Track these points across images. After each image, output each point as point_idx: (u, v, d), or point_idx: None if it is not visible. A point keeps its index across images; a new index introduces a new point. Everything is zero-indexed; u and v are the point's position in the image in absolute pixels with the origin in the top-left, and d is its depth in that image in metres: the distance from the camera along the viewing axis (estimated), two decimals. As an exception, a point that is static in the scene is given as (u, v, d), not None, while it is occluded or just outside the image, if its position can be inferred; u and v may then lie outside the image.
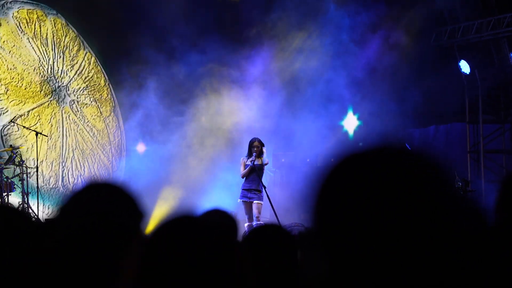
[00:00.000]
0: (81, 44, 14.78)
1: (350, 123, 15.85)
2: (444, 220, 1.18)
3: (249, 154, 11.22)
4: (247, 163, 11.17)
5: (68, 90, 14.41)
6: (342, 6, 15.43)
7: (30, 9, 14.02)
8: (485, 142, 16.39)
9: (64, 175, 14.13)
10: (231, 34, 15.20)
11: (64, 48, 14.44)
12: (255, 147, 11.16)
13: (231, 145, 14.92)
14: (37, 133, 12.69)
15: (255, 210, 11.04)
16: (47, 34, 14.19)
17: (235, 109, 15.17)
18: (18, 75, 13.58)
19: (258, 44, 15.39)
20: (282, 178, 15.44)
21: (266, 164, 11.33)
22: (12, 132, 13.38)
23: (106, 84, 15.16)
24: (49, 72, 14.09)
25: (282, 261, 2.45)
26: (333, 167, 1.26)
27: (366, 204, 1.18)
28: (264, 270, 2.39)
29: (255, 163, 11.08)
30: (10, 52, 13.47)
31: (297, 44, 15.51)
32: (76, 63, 14.63)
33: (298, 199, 13.79)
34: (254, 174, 11.13)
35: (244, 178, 11.22)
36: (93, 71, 14.93)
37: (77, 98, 14.57)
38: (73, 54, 14.60)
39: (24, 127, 13.13)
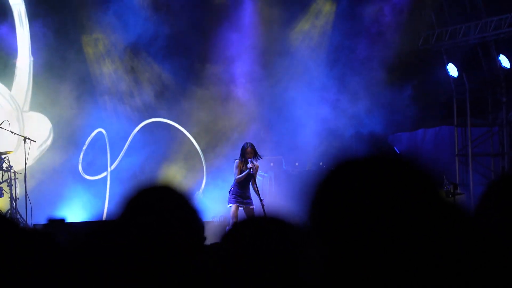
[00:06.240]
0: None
1: None
2: (430, 223, 1.19)
3: (243, 158, 11.13)
4: (244, 169, 11.03)
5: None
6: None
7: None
8: (473, 145, 16.44)
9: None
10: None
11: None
12: (249, 153, 11.06)
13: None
14: (25, 138, 12.61)
15: (249, 215, 10.98)
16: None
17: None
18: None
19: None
20: (271, 182, 15.43)
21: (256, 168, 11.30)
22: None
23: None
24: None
25: (278, 260, 1.88)
26: (327, 172, 1.26)
27: (359, 209, 1.19)
28: (253, 269, 1.86)
29: (251, 171, 11.00)
30: None
31: (281, 42, 15.52)
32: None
33: (288, 202, 13.80)
34: (248, 180, 11.10)
35: (237, 182, 11.15)
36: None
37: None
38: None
39: (11, 132, 12.97)
